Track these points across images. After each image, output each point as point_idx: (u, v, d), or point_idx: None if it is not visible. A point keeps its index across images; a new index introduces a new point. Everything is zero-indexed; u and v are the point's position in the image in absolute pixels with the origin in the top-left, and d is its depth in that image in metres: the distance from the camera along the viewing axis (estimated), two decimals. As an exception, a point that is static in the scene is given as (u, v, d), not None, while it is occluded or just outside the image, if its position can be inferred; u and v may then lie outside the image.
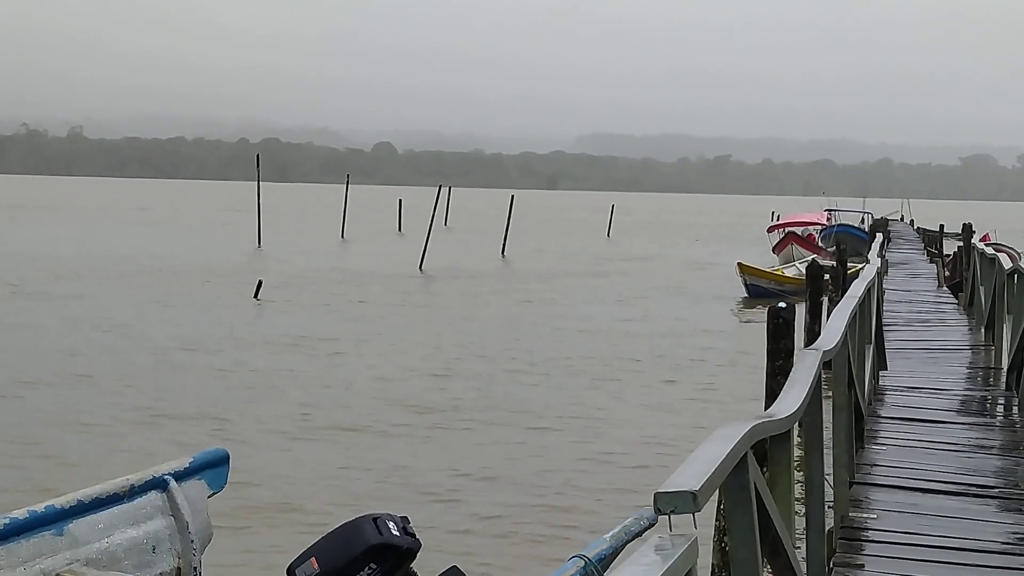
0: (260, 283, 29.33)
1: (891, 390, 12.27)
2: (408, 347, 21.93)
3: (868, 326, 10.30)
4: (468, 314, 27.71)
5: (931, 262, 36.39)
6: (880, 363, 13.01)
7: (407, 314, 27.55)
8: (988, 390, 12.79)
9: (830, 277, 20.10)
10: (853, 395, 8.12)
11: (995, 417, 11.26)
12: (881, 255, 27.27)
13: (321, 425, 15.14)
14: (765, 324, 9.83)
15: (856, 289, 8.99)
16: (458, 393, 17.50)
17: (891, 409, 11.12)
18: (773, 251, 48.97)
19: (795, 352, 10.19)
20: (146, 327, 23.70)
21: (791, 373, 5.44)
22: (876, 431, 9.99)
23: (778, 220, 62.35)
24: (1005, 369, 13.24)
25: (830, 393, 7.58)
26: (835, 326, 6.65)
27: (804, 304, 17.44)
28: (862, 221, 58.40)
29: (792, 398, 4.99)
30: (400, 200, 71.56)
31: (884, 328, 17.88)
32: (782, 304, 10.50)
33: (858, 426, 9.15)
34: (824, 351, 5.64)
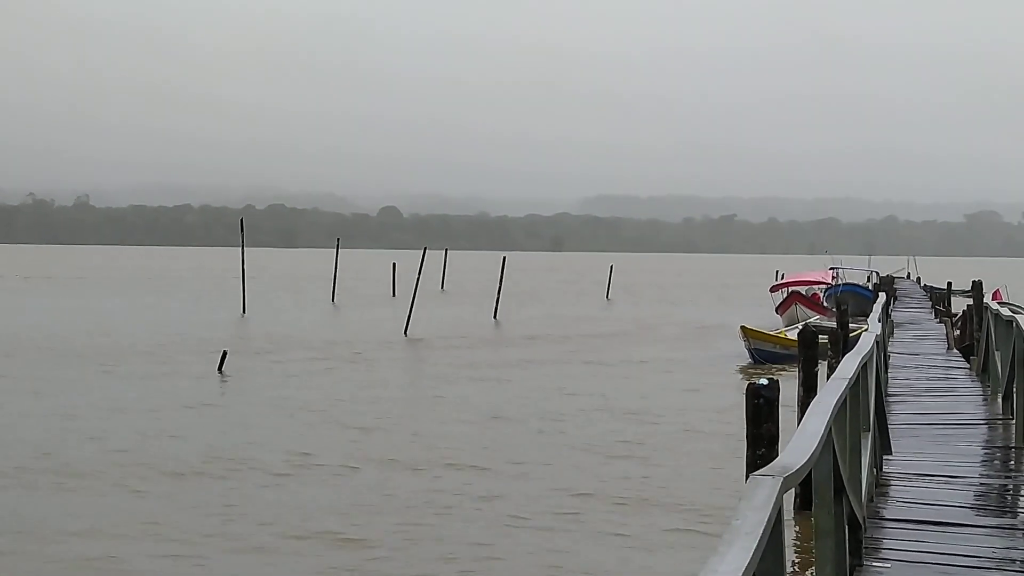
0: (224, 354, 27.56)
1: (896, 481, 10.42)
2: (346, 416, 20.62)
3: (866, 410, 8.50)
4: (435, 386, 25.91)
5: (939, 322, 34.63)
6: (883, 447, 11.18)
7: (365, 381, 26.05)
8: (1009, 476, 10.94)
9: (829, 341, 18.33)
10: (844, 508, 6.32)
11: (1017, 516, 9.37)
12: (885, 317, 25.49)
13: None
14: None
15: (847, 368, 7.19)
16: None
17: (896, 508, 9.28)
18: (776, 311, 47.24)
19: (779, 439, 8.44)
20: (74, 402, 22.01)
21: (736, 511, 3.66)
22: (878, 541, 8.15)
23: (782, 279, 60.65)
24: (1029, 451, 11.43)
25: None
26: (808, 432, 4.85)
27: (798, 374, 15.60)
28: (868, 279, 56.73)
29: (732, 561, 3.21)
30: (394, 264, 69.85)
31: (889, 398, 16.07)
32: (763, 380, 8.75)
33: (855, 538, 7.33)
34: (786, 477, 3.87)
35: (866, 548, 7.74)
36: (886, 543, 8.14)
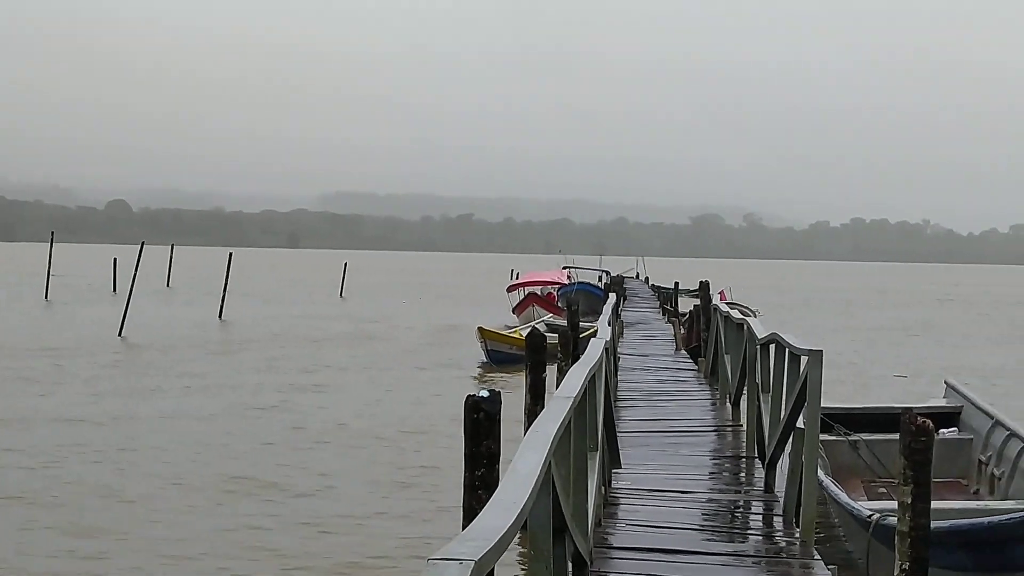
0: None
1: (625, 499, 9.66)
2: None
3: (594, 427, 7.62)
4: (136, 397, 23.70)
5: (668, 322, 34.92)
6: (612, 461, 10.42)
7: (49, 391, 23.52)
8: (739, 491, 10.35)
9: (559, 343, 17.62)
10: (567, 549, 5.36)
11: (747, 538, 8.68)
12: (615, 318, 25.23)
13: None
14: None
15: (571, 385, 6.25)
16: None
17: (624, 535, 8.46)
18: (514, 311, 46.99)
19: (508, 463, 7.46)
20: None
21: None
22: (604, 575, 7.28)
23: (517, 278, 60.70)
24: (760, 463, 10.89)
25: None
26: (521, 474, 3.78)
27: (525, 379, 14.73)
28: (600, 279, 57.42)
29: None
30: (115, 259, 66.12)
31: (619, 404, 15.48)
32: (484, 392, 7.73)
33: (580, 574, 6.40)
34: (480, 559, 2.77)
35: (592, 588, 6.84)
36: (613, 577, 7.28)
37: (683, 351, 24.85)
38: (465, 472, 7.83)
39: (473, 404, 7.60)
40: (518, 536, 10.09)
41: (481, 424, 7.77)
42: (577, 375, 6.68)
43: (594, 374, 7.59)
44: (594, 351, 8.16)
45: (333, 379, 26.45)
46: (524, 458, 4.10)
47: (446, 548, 2.90)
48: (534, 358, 13.79)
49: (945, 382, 15.48)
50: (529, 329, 30.55)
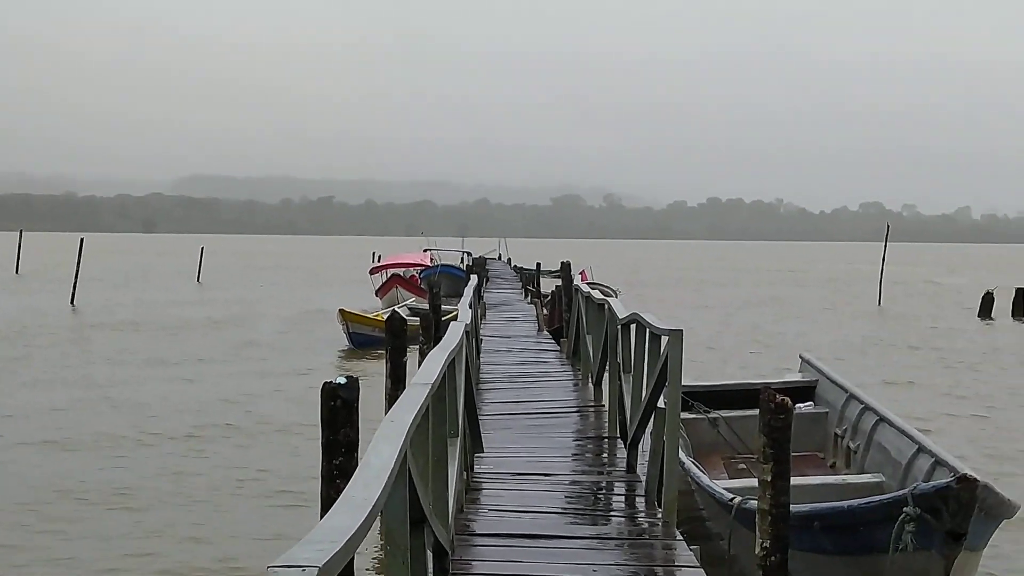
0: None
1: (488, 483, 9.53)
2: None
3: (454, 413, 7.46)
4: None
5: (530, 303, 34.99)
6: (475, 445, 10.29)
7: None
8: (602, 472, 10.30)
9: (421, 325, 17.40)
10: (426, 540, 5.19)
11: (610, 520, 8.63)
12: (477, 299, 25.17)
13: None
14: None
15: (429, 371, 6.06)
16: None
17: (487, 520, 8.32)
18: (377, 294, 46.58)
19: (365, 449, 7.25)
20: None
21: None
22: (468, 564, 7.14)
23: (379, 261, 60.21)
24: (623, 442, 10.88)
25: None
26: (374, 467, 3.57)
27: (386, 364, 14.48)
28: (461, 260, 57.33)
29: None
30: (-43, 247, 63.74)
31: (481, 387, 15.37)
32: (340, 379, 7.51)
33: (440, 567, 6.24)
34: (326, 565, 2.57)
35: (453, 575, 6.68)
36: (475, 566, 7.13)
37: (545, 332, 24.89)
38: (323, 461, 7.62)
39: (330, 391, 7.38)
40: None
41: (338, 412, 7.57)
42: (435, 360, 6.51)
43: (454, 358, 7.42)
44: (453, 335, 7.99)
45: (187, 367, 25.78)
46: (377, 451, 3.91)
47: (288, 554, 2.70)
48: (394, 342, 13.57)
49: (800, 357, 15.75)
50: (390, 312, 30.33)
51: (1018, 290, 44.47)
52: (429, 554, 5.72)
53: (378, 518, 3.78)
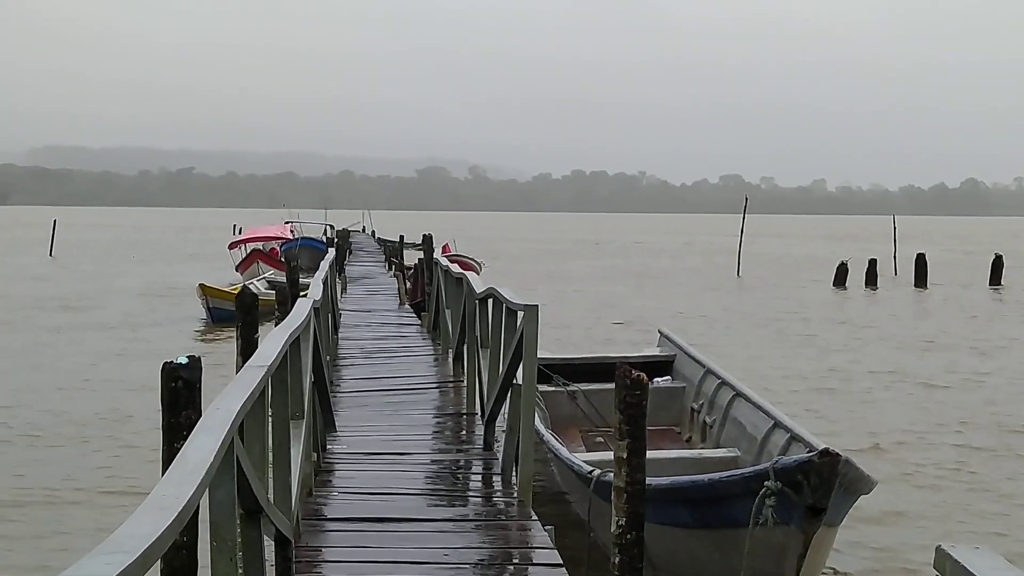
0: None
1: (341, 465, 9.24)
2: None
3: (298, 394, 7.14)
4: None
5: (393, 276, 34.62)
6: (327, 425, 9.99)
7: None
8: (461, 450, 10.10)
9: (277, 300, 16.90)
10: (263, 532, 4.90)
11: (467, 501, 8.42)
12: (337, 273, 24.73)
13: None
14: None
15: (267, 352, 5.72)
16: None
17: (337, 503, 8.04)
18: (237, 269, 45.63)
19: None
20: None
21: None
22: (316, 552, 6.85)
23: (239, 234, 58.99)
24: (481, 420, 10.70)
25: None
26: (191, 463, 3.27)
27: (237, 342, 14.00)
28: (324, 233, 56.59)
29: None
30: None
31: (339, 363, 15.04)
32: (182, 358, 7.11)
33: (283, 557, 5.96)
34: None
35: (297, 563, 6.39)
36: (323, 552, 6.85)
37: (407, 306, 24.58)
38: (163, 446, 7.23)
39: (170, 371, 6.98)
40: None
41: (180, 393, 7.16)
42: (276, 340, 6.18)
43: (299, 336, 7.11)
44: (299, 312, 7.67)
45: (35, 346, 24.81)
46: (196, 444, 3.60)
47: (79, 564, 2.40)
48: (245, 318, 13.11)
49: (659, 331, 15.78)
50: (254, 285, 29.58)
51: (871, 260, 45.70)
52: (270, 544, 5.45)
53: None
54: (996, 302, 38.50)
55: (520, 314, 8.30)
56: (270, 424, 5.88)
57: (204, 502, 3.57)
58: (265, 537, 5.05)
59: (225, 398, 4.39)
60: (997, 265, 46.72)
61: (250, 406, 4.66)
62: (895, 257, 51.60)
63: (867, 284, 44.19)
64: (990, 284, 45.45)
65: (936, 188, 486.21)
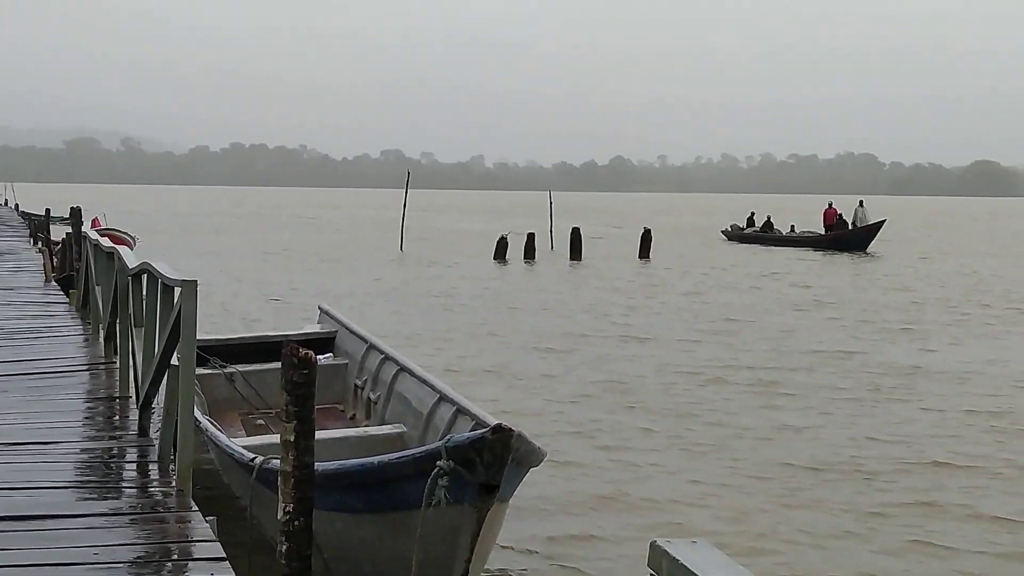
0: None
1: None
2: None
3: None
4: None
5: (38, 251, 32.64)
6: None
7: None
8: (115, 436, 9.44)
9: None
10: None
11: (122, 492, 7.85)
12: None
13: None
14: None
15: None
16: None
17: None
18: None
19: None
20: None
21: None
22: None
23: None
24: (136, 404, 10.06)
25: None
26: None
27: None
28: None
29: None
30: None
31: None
32: None
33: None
34: None
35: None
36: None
37: (53, 283, 23.12)
38: None
39: None
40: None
41: None
42: None
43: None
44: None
45: None
46: None
47: None
48: None
49: (319, 307, 15.49)
50: None
51: (529, 235, 47.04)
52: None
53: None
54: (643, 274, 40.44)
55: (177, 291, 7.81)
56: None
57: None
58: None
59: None
60: (646, 239, 49.30)
61: None
62: (551, 231, 53.33)
63: (526, 258, 45.42)
64: (639, 256, 47.80)
65: (587, 165, 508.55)
